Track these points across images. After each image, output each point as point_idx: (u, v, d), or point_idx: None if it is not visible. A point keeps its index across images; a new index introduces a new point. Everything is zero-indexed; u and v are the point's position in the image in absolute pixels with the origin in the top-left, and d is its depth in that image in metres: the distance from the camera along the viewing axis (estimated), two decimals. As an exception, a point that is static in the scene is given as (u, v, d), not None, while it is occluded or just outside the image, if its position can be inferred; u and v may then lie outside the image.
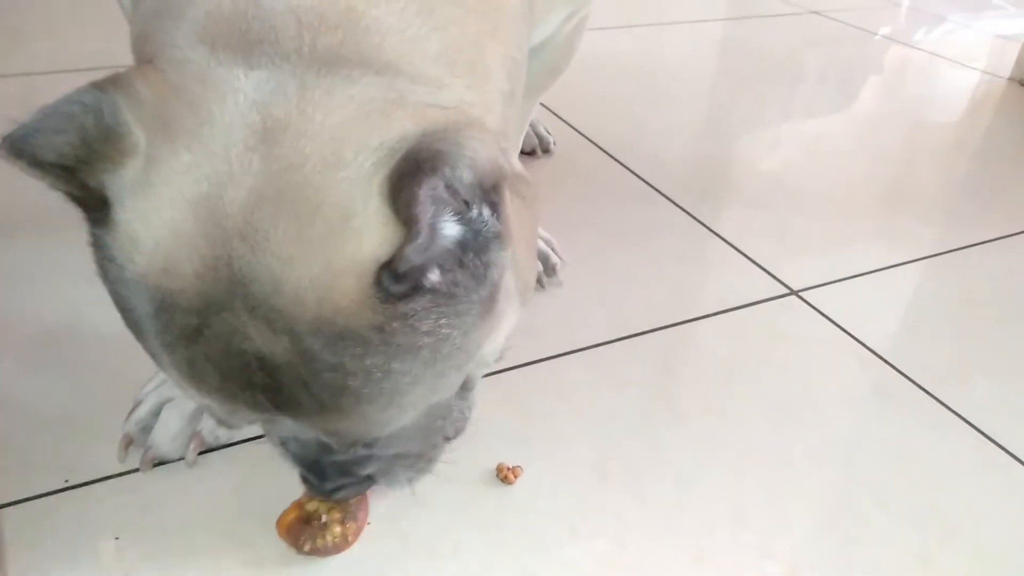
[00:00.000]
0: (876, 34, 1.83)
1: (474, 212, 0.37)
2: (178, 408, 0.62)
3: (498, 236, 0.39)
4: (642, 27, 1.75)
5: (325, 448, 0.47)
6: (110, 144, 0.36)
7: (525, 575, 0.56)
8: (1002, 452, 0.70)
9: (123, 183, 0.36)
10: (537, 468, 0.64)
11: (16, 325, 0.75)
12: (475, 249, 0.38)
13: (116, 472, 0.61)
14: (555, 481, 0.64)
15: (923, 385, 0.76)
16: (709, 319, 0.83)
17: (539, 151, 1.14)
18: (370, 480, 0.50)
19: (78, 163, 0.35)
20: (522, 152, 1.14)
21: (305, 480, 0.50)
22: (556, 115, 1.28)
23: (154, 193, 0.36)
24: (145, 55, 0.40)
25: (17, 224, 0.88)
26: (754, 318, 0.85)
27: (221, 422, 0.44)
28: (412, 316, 0.37)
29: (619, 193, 1.07)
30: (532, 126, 1.14)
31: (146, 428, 0.62)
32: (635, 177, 1.12)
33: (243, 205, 0.35)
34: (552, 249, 0.88)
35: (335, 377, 0.38)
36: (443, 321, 0.39)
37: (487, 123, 0.43)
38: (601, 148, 1.20)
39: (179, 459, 0.62)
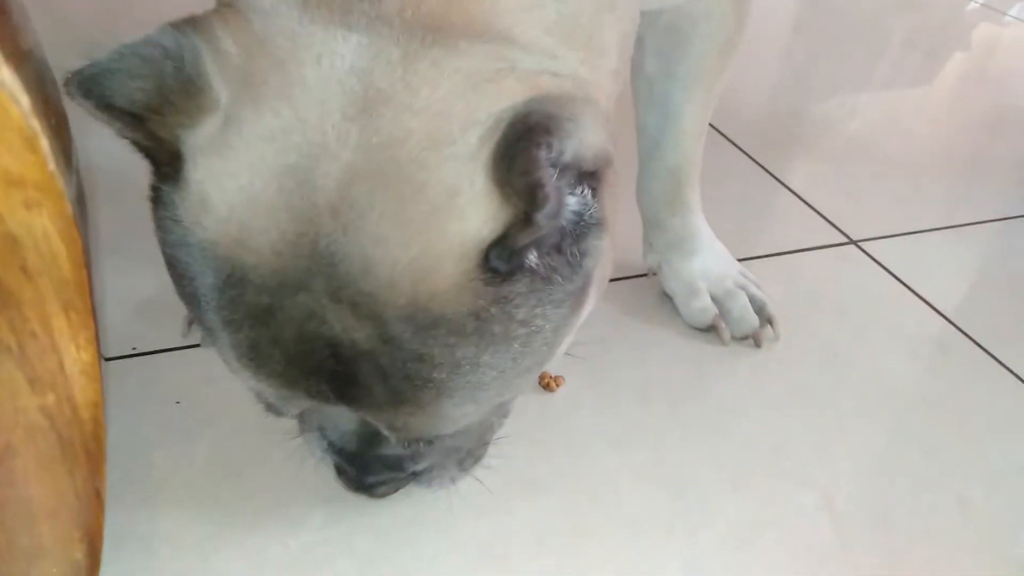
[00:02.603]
0: (969, 1, 1.75)
1: (578, 194, 0.34)
2: None
3: (599, 223, 0.36)
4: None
5: (372, 440, 0.43)
6: (188, 97, 0.33)
7: (564, 479, 0.57)
8: (1059, 415, 0.68)
9: (198, 140, 0.34)
10: (580, 383, 0.65)
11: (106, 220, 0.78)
12: (574, 234, 0.35)
13: (179, 345, 0.64)
14: (597, 397, 0.64)
15: (982, 343, 0.75)
16: (763, 260, 0.82)
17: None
18: (414, 476, 0.47)
19: (151, 112, 0.33)
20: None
21: (341, 472, 0.46)
22: (626, 58, 1.26)
23: (233, 156, 0.33)
24: None
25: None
26: (810, 263, 0.83)
27: (269, 407, 0.41)
28: (511, 301, 0.34)
29: (684, 137, 1.05)
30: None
31: None
32: (702, 122, 1.10)
33: (338, 180, 0.33)
34: (759, 287, 0.73)
35: (419, 368, 0.35)
36: (538, 311, 0.36)
37: (600, 102, 0.39)
38: (669, 92, 1.17)
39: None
